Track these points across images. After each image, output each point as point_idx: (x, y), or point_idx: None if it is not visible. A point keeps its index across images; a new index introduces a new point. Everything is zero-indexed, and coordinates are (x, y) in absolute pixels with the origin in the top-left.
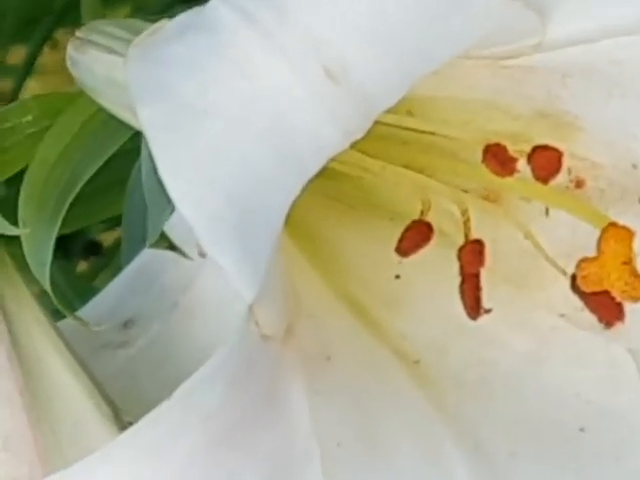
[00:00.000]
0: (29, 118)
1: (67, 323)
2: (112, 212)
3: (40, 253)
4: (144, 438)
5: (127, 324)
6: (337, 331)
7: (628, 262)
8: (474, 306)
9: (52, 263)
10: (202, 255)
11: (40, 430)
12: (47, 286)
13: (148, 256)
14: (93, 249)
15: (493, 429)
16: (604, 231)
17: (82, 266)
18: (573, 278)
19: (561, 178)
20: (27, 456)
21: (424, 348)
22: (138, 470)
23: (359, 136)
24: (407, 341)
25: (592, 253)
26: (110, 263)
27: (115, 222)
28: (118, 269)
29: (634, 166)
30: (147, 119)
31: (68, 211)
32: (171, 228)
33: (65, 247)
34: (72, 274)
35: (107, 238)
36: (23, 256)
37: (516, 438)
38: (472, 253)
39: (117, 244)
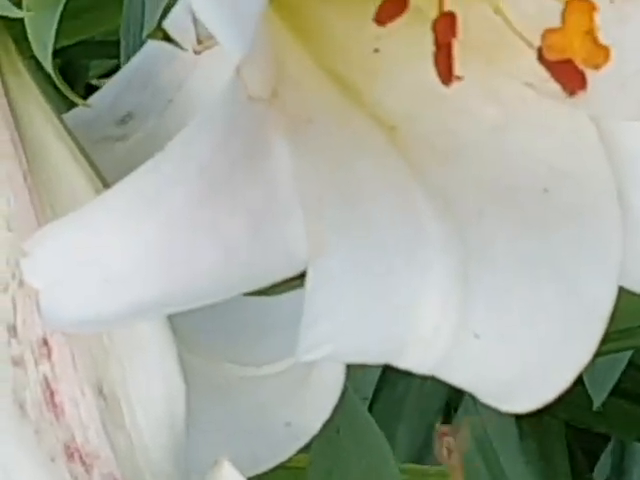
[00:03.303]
0: None
1: (67, 118)
2: (108, 25)
3: (43, 36)
4: (139, 186)
5: (125, 119)
6: (319, 97)
7: (590, 32)
8: (446, 73)
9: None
10: (197, 52)
11: (43, 213)
12: (49, 67)
13: (145, 55)
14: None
15: (463, 190)
16: (567, 4)
17: None
18: (539, 50)
19: None
20: (30, 236)
21: (400, 115)
22: (130, 217)
23: None
24: (385, 109)
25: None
26: None
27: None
28: None
29: None
30: None
31: (69, 22)
32: (170, 23)
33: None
34: None
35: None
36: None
37: (484, 199)
38: (445, 24)
39: None
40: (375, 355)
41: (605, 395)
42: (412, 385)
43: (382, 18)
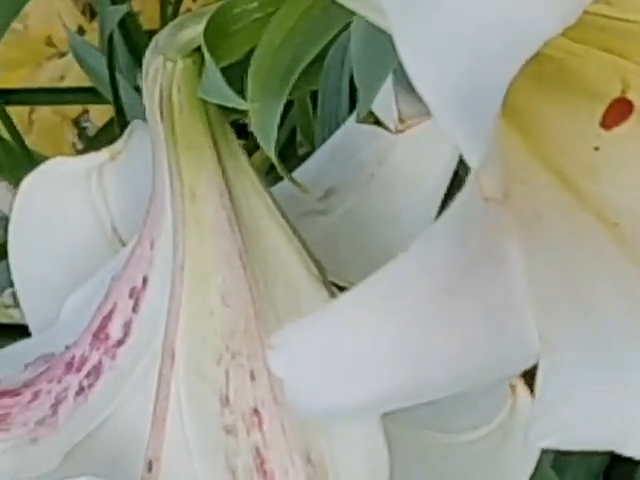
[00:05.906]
0: (255, 5)
1: (273, 191)
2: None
3: (267, 126)
4: (377, 289)
5: (327, 194)
6: (545, 196)
7: None
8: None
9: None
10: (399, 131)
11: (256, 289)
12: (273, 156)
13: (347, 132)
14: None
15: None
16: None
17: None
18: None
19: None
20: (244, 312)
21: (622, 212)
22: (369, 319)
23: (572, 22)
24: (606, 205)
25: None
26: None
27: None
28: None
29: None
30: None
31: None
32: (375, 105)
33: None
34: None
35: None
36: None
37: None
38: None
39: None
40: (601, 443)
41: None
42: None
43: (608, 123)
